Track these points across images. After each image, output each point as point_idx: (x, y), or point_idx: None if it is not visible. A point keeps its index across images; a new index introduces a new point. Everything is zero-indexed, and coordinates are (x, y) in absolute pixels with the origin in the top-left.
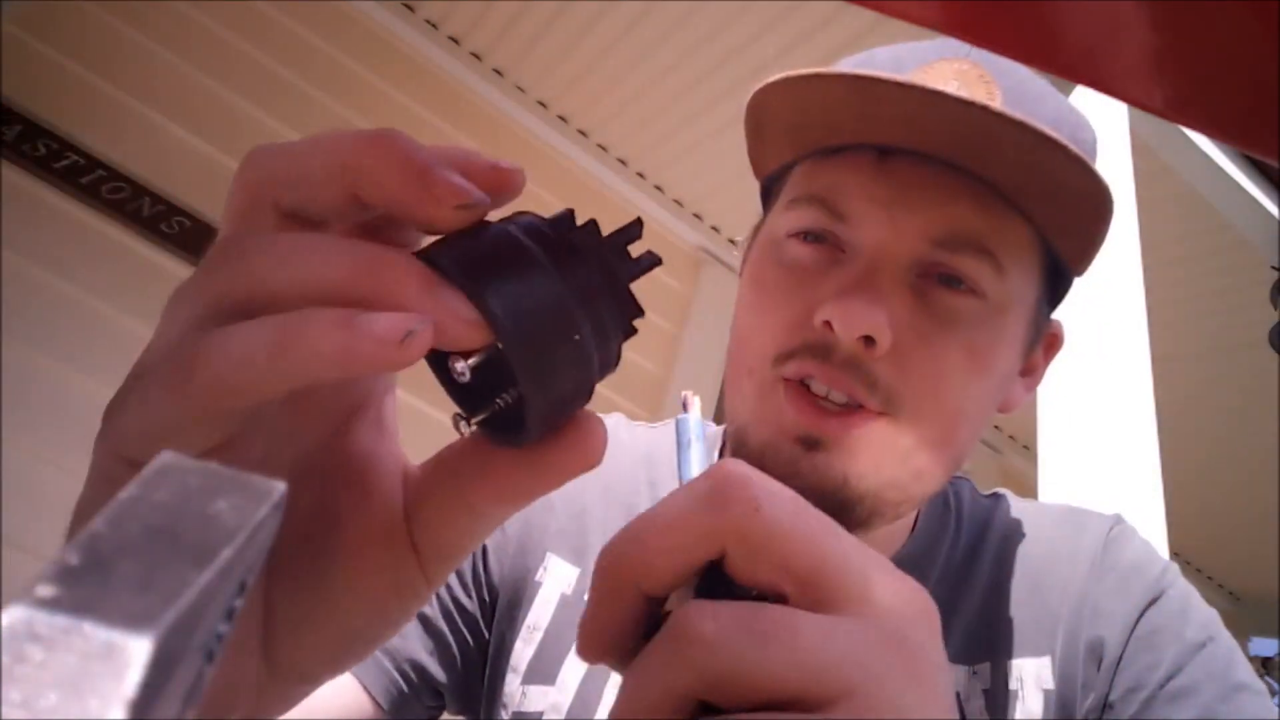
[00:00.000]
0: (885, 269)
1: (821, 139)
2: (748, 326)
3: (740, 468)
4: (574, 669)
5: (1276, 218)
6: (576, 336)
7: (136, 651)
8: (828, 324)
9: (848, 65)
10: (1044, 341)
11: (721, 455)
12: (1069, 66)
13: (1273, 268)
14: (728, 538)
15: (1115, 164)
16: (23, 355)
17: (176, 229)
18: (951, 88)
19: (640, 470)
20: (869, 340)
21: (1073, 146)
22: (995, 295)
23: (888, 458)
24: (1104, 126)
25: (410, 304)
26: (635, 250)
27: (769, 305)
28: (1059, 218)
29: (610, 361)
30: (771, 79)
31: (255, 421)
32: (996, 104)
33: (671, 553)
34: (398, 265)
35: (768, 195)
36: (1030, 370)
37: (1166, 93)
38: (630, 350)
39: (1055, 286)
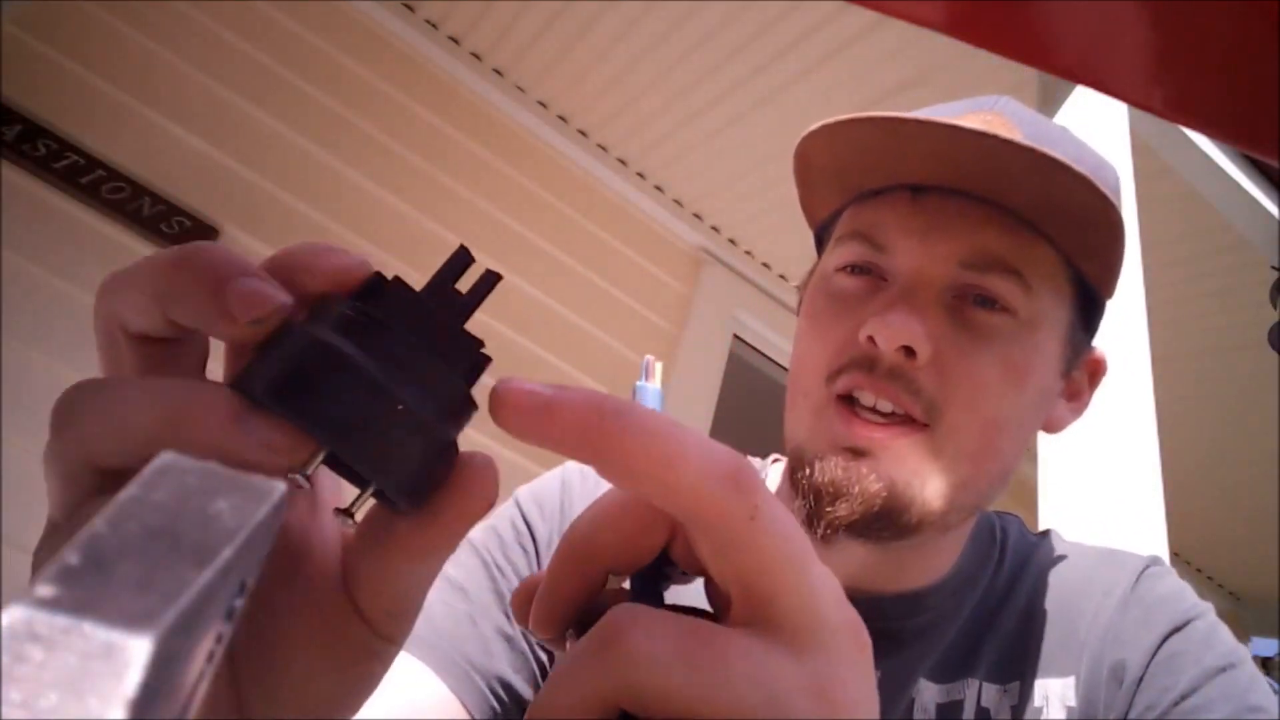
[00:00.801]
0: (921, 290)
1: (861, 182)
2: (802, 352)
3: (752, 469)
4: None
5: (1276, 218)
6: (400, 408)
7: (136, 651)
8: (871, 339)
9: None
10: (1086, 367)
11: (784, 477)
12: (1069, 66)
13: (1273, 268)
14: (717, 520)
15: (1115, 164)
16: (22, 355)
17: (176, 229)
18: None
19: None
20: (909, 351)
21: (1077, 167)
22: (1026, 312)
23: (931, 466)
24: (1104, 126)
25: (222, 441)
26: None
27: (820, 331)
28: (1078, 240)
29: (460, 407)
30: (810, 128)
31: None
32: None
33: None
34: (203, 405)
35: (820, 242)
36: (1075, 395)
37: (1166, 93)
38: (629, 350)
39: (1089, 312)
